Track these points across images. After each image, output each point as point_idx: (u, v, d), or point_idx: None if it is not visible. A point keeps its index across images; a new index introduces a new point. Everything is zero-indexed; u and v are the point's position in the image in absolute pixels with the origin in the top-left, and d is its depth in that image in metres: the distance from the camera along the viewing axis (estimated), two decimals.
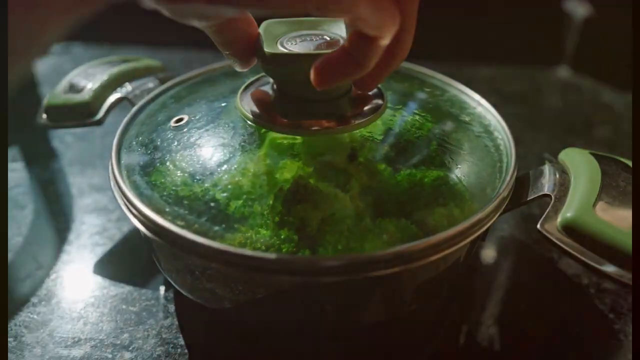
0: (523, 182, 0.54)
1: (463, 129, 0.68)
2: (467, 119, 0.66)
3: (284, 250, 0.47)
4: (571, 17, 1.15)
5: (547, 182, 0.51)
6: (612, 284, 0.60)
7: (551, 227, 0.46)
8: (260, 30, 0.49)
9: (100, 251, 0.64)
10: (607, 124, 0.97)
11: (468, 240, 0.47)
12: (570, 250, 0.43)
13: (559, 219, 0.45)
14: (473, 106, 0.67)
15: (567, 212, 0.45)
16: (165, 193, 0.54)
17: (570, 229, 0.44)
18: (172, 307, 0.57)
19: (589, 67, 1.13)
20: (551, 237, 0.45)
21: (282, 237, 0.48)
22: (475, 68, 1.16)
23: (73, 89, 0.64)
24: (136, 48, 1.20)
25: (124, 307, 0.56)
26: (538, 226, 0.46)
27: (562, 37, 1.17)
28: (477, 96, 0.67)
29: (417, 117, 0.69)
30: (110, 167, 0.52)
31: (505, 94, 1.08)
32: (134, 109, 0.61)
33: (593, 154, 0.52)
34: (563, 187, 0.49)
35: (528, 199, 0.51)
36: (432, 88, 0.70)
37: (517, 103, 1.05)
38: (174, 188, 0.54)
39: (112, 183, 0.51)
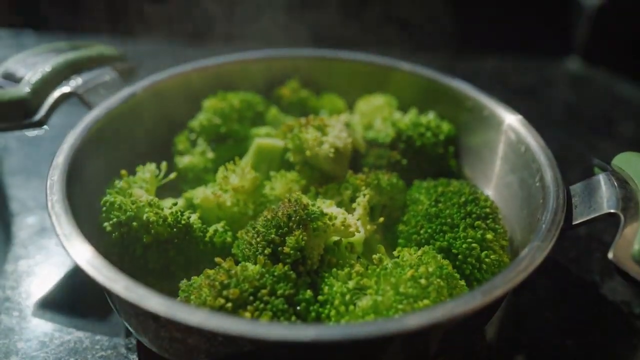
0: (569, 197, 0.44)
1: (484, 131, 0.57)
2: (485, 116, 0.56)
3: (279, 292, 0.36)
4: (581, 5, 1.05)
5: (606, 197, 0.41)
6: None
7: (624, 255, 0.35)
8: None
9: (43, 285, 0.52)
10: (630, 120, 0.88)
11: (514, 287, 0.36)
12: None
13: (638, 246, 0.35)
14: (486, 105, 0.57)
15: None
16: (123, 218, 0.42)
17: None
18: (134, 359, 0.45)
19: (601, 58, 1.03)
20: (630, 272, 0.34)
21: (276, 274, 0.37)
22: (479, 59, 1.07)
23: (7, 81, 0.51)
24: (97, 39, 1.07)
25: (71, 359, 0.44)
26: (610, 255, 0.35)
27: (572, 25, 1.07)
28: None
29: (432, 120, 0.58)
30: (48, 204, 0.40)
31: (512, 88, 0.97)
32: (95, 112, 0.49)
33: None
34: (631, 202, 0.39)
35: (583, 219, 0.41)
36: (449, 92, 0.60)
37: (526, 97, 0.95)
38: (132, 211, 0.42)
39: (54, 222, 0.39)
